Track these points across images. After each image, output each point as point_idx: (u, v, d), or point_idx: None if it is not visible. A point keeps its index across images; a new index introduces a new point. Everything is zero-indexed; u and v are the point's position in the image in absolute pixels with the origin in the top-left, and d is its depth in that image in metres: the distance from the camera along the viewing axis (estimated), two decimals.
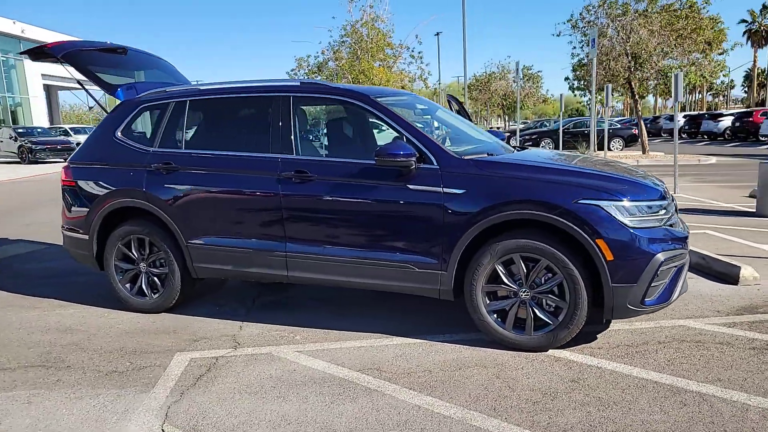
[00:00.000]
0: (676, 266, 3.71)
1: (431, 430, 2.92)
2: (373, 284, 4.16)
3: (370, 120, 4.71)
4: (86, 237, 4.96)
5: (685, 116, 38.13)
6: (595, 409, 3.06)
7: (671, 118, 37.48)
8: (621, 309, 3.61)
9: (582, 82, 21.70)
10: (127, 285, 4.91)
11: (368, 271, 4.10)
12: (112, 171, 4.84)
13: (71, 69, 5.11)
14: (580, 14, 19.34)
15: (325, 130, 5.14)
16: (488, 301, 3.88)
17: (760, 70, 69.93)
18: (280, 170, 4.25)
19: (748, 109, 33.95)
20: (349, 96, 4.33)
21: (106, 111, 5.27)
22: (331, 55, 22.83)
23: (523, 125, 39.73)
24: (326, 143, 5.00)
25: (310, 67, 22.50)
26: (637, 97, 20.73)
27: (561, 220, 3.58)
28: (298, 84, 4.50)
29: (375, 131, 5.09)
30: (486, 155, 4.13)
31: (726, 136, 32.59)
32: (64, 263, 6.60)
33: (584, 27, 19.21)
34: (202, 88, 4.84)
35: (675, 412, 3.00)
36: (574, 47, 20.54)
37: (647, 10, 17.96)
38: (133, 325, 4.59)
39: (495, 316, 3.87)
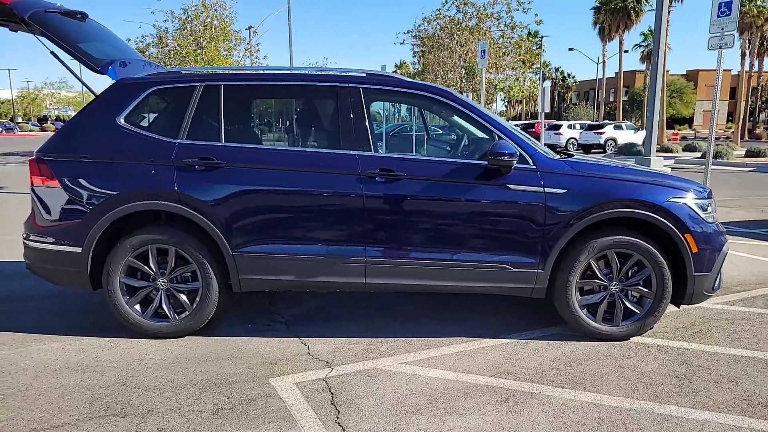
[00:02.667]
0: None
1: (632, 425, 2.99)
2: (463, 287, 4.03)
3: (451, 118, 4.51)
4: (77, 249, 3.93)
5: None
6: (732, 386, 3.41)
7: None
8: (699, 295, 4.06)
9: None
10: (137, 306, 4.03)
11: (461, 274, 3.97)
12: (120, 166, 3.92)
13: (42, 37, 4.03)
14: (419, 26, 20.60)
15: (397, 127, 4.79)
16: (579, 297, 4.04)
17: None
18: (361, 168, 3.88)
19: (532, 121, 39.16)
20: (430, 91, 4.14)
21: (93, 93, 4.23)
22: (155, 41, 20.82)
23: None
24: (403, 140, 4.67)
25: None
26: None
27: (657, 217, 3.89)
28: (365, 75, 4.15)
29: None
30: (563, 156, 4.28)
31: None
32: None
33: (424, 38, 20.51)
34: (240, 72, 4.18)
35: None
36: (415, 53, 21.78)
37: (479, 26, 19.81)
38: (169, 355, 3.80)
39: (585, 310, 4.05)
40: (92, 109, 4.07)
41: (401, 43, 21.53)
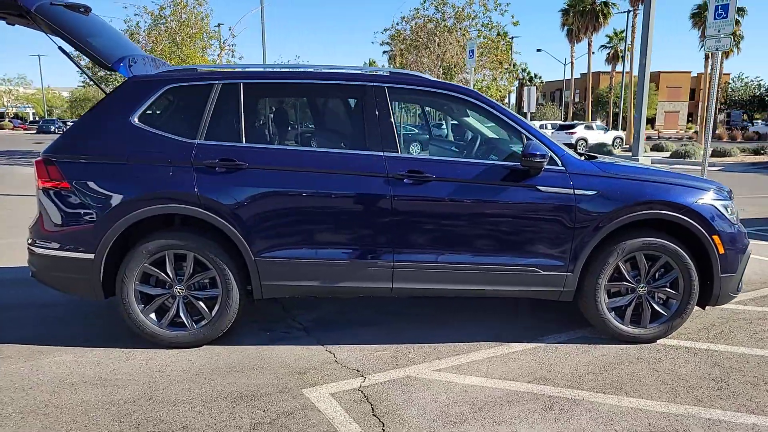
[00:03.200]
0: None
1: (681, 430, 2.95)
2: (490, 290, 3.96)
3: (477, 118, 4.43)
4: (89, 256, 3.72)
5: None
6: None
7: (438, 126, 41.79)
8: (724, 296, 4.06)
9: None
10: (152, 315, 3.83)
11: (489, 278, 3.90)
12: (135, 168, 3.72)
13: (48, 32, 3.80)
14: (397, 24, 20.53)
15: (423, 127, 4.67)
16: (607, 299, 4.00)
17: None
18: (388, 170, 3.77)
19: None
20: (457, 91, 4.04)
21: (104, 91, 4.01)
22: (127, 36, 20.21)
23: None
24: (431, 140, 4.55)
25: None
26: None
27: (685, 218, 3.88)
28: (389, 74, 4.03)
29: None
30: (586, 157, 4.25)
31: None
32: None
33: (402, 38, 20.44)
34: (260, 70, 4.01)
35: None
36: (385, 52, 21.66)
37: (456, 26, 19.83)
38: (191, 366, 3.62)
39: (613, 313, 4.02)
40: (104, 107, 3.85)
41: (380, 44, 21.47)
